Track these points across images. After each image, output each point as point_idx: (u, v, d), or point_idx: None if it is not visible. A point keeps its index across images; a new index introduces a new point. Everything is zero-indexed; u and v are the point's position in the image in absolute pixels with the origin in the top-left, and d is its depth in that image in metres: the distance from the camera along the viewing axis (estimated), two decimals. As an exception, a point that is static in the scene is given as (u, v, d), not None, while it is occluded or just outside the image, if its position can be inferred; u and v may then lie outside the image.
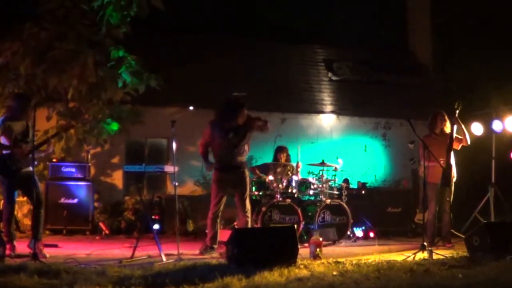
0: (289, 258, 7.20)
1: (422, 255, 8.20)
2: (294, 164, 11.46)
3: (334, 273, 6.74)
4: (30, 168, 8.25)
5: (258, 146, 13.60)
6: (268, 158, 11.92)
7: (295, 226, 7.95)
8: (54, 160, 11.73)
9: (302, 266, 7.09)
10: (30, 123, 8.27)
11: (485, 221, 10.18)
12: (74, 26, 11.52)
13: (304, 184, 10.85)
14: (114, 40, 11.63)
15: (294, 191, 10.66)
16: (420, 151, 9.90)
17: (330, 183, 11.04)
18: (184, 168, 9.16)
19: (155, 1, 11.30)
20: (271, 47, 15.90)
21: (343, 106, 15.38)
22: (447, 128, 10.15)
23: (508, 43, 14.61)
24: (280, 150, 11.62)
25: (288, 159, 11.53)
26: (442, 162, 9.55)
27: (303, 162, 11.43)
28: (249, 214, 9.03)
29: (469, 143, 10.09)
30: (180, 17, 14.88)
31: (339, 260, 7.60)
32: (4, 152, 8.28)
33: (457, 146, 10.08)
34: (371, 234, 11.28)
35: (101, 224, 11.36)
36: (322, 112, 15.17)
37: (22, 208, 11.28)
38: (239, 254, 7.04)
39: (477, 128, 11.37)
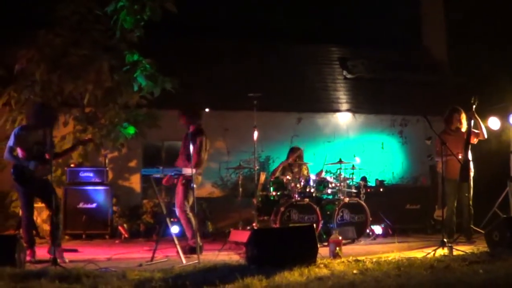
0: (308, 257, 7.18)
1: (442, 252, 8.17)
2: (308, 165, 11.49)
3: (355, 271, 6.71)
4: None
5: (275, 147, 13.63)
6: (284, 158, 11.87)
7: (314, 225, 7.91)
8: (72, 165, 11.78)
9: (322, 265, 7.06)
10: (48, 131, 8.23)
11: (505, 216, 10.10)
12: (88, 31, 11.61)
13: (322, 183, 10.82)
14: (129, 44, 11.70)
15: (312, 190, 10.64)
16: (436, 147, 9.85)
17: (348, 182, 11.03)
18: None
19: (168, 4, 11.38)
20: (285, 47, 15.96)
21: (359, 104, 15.33)
22: (464, 124, 10.12)
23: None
24: (291, 151, 11.56)
25: (300, 160, 11.46)
26: (460, 157, 9.53)
27: (320, 161, 11.42)
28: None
29: (485, 136, 10.07)
30: (194, 20, 14.91)
31: (359, 258, 7.56)
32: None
33: (474, 140, 10.06)
34: (390, 231, 11.29)
35: (120, 228, 11.42)
36: (338, 110, 15.13)
37: (42, 213, 11.32)
38: (259, 254, 7.03)
39: (494, 122, 11.26)
